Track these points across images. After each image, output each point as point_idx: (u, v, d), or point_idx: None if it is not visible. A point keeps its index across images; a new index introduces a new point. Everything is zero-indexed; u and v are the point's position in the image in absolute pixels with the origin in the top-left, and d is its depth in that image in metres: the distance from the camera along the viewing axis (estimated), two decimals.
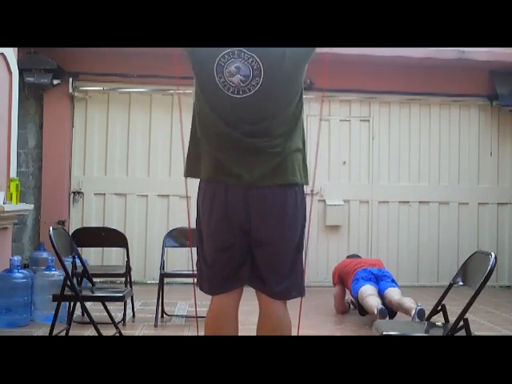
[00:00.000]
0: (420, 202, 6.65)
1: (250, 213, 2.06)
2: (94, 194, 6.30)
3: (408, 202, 6.64)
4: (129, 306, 4.45)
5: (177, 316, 4.62)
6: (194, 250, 2.28)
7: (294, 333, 2.18)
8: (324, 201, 6.48)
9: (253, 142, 2.04)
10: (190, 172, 2.19)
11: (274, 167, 2.05)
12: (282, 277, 2.12)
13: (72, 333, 3.54)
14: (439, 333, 2.62)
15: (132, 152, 6.35)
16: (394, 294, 4.27)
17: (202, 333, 2.23)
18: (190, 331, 4.10)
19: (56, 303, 3.28)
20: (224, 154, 2.07)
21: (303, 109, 2.15)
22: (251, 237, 2.10)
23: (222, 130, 2.06)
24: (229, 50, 1.98)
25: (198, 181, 2.19)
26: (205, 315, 2.22)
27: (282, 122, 2.06)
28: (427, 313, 2.86)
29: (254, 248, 2.11)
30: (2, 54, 4.53)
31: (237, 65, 1.98)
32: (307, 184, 2.19)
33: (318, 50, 2.03)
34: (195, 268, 2.27)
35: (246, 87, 1.99)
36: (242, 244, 2.11)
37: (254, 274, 2.13)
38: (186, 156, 2.20)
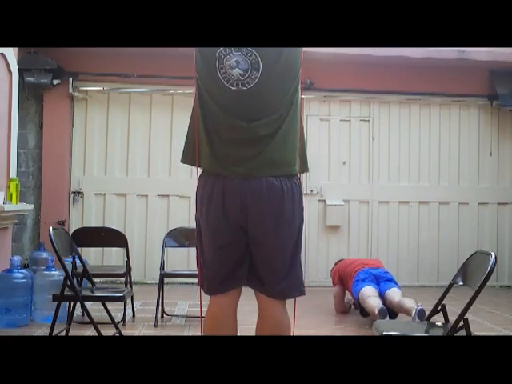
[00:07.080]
0: (420, 202, 6.65)
1: (246, 206, 2.06)
2: (94, 194, 6.30)
3: (408, 202, 6.63)
4: (129, 305, 4.45)
5: (177, 316, 4.61)
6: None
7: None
8: (324, 201, 6.47)
9: (250, 133, 2.05)
10: (185, 159, 2.21)
11: (270, 158, 2.06)
12: (280, 277, 2.11)
13: (72, 333, 3.54)
14: (439, 333, 2.62)
15: (132, 152, 6.35)
16: (394, 295, 4.28)
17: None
18: (190, 331, 4.10)
19: (56, 303, 3.28)
20: (222, 144, 2.08)
21: (299, 98, 2.15)
22: (248, 235, 2.10)
23: (221, 122, 2.07)
24: None
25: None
26: None
27: (279, 114, 2.07)
28: (427, 313, 2.86)
29: (252, 247, 2.11)
30: (2, 54, 4.53)
31: (236, 59, 2.01)
32: (307, 171, 2.22)
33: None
34: (195, 268, 2.27)
35: (244, 81, 2.02)
36: (240, 243, 2.10)
37: (253, 275, 2.13)
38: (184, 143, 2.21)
